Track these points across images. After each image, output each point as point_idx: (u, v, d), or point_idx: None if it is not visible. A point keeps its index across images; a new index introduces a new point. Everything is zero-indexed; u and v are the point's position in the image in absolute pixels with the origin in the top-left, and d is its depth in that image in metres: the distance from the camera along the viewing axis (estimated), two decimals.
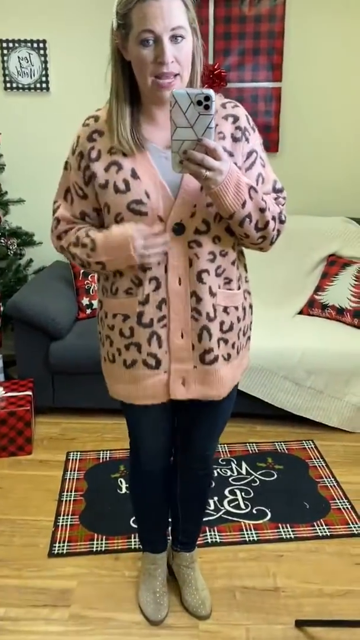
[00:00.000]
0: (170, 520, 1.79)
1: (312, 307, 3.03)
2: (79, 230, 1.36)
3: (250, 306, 1.48)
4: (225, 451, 2.57)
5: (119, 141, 1.24)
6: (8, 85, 3.23)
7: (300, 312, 3.07)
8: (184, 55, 1.19)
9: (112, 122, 1.25)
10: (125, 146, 1.24)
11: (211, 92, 1.09)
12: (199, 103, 1.09)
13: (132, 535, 2.04)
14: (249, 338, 1.51)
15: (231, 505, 2.21)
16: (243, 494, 2.28)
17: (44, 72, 3.22)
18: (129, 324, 1.36)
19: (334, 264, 3.07)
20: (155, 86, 1.19)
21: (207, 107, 1.09)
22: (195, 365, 1.37)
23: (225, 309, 1.37)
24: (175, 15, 1.14)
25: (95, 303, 3.01)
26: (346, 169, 3.35)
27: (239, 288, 1.39)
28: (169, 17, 1.13)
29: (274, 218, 1.29)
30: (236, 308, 1.39)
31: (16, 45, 3.17)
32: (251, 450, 2.60)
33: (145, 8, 1.13)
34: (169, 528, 1.81)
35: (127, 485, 2.33)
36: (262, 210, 1.25)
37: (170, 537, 1.83)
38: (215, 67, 3.13)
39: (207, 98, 1.09)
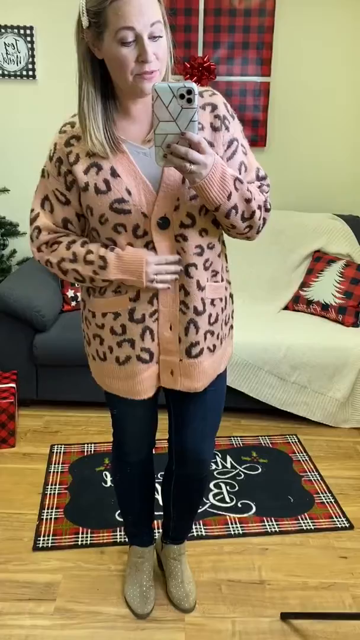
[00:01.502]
0: (161, 514, 1.78)
1: (297, 303, 3.05)
2: (72, 244, 1.32)
3: (231, 295, 1.48)
4: None
5: (92, 144, 1.22)
6: None
7: (286, 308, 3.09)
8: (162, 52, 1.17)
9: (84, 125, 1.22)
10: (99, 148, 1.22)
11: (194, 85, 1.08)
12: (182, 97, 1.08)
13: (118, 529, 2.03)
14: (231, 327, 1.51)
15: (216, 498, 2.22)
16: (228, 487, 2.29)
17: (30, 60, 3.16)
18: (120, 322, 1.35)
19: (320, 260, 3.09)
20: (137, 81, 1.17)
21: (189, 101, 1.08)
22: (181, 358, 1.37)
23: (212, 302, 1.37)
24: (152, 10, 1.12)
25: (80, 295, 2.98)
26: (333, 166, 3.37)
27: (222, 279, 1.40)
28: (147, 14, 1.11)
29: (259, 207, 1.28)
30: (220, 299, 1.40)
31: (2, 31, 3.11)
32: (236, 444, 2.61)
33: (122, 6, 1.10)
34: (160, 522, 1.80)
35: (112, 478, 2.32)
36: (247, 201, 1.24)
37: (160, 530, 1.82)
38: (205, 59, 3.11)
39: (190, 91, 1.07)
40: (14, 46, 3.14)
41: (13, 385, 2.62)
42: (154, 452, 1.68)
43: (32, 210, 1.36)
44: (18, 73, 3.19)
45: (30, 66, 3.18)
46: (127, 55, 1.14)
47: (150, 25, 1.13)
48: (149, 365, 1.37)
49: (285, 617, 1.69)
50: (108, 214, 1.25)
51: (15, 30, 3.11)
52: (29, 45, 3.14)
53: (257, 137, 3.27)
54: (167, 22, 1.19)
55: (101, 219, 1.26)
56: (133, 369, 1.38)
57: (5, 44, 3.13)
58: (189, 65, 3.12)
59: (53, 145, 1.30)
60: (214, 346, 1.41)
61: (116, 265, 1.28)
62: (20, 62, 3.17)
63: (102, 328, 1.39)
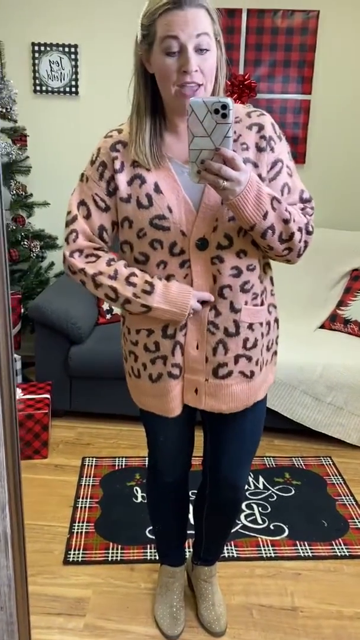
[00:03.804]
0: (193, 533, 1.76)
1: (334, 322, 3.00)
2: (113, 262, 1.30)
3: (276, 320, 1.45)
4: None
5: (136, 154, 1.23)
6: (38, 88, 3.25)
7: (322, 326, 3.04)
8: (208, 67, 1.17)
9: (131, 136, 1.24)
10: (142, 159, 1.23)
11: (228, 100, 1.07)
12: (216, 112, 1.07)
13: (149, 546, 2.02)
14: (274, 353, 1.48)
15: (248, 519, 2.18)
16: (260, 508, 2.25)
17: (74, 77, 3.23)
18: (154, 339, 1.35)
19: (358, 278, 3.04)
20: (179, 95, 1.17)
21: (224, 116, 1.07)
22: (207, 378, 1.35)
23: (250, 326, 1.34)
24: (200, 22, 1.13)
25: (115, 309, 3.00)
26: None
27: (262, 303, 1.36)
28: (193, 25, 1.12)
29: (300, 229, 1.25)
30: (261, 324, 1.36)
31: (48, 49, 3.19)
32: (269, 464, 2.57)
33: (170, 17, 1.12)
34: (191, 542, 1.78)
35: (143, 494, 2.31)
36: (286, 222, 1.22)
37: (192, 550, 1.80)
38: (246, 77, 3.12)
39: (225, 107, 1.06)
40: (58, 63, 3.21)
41: (47, 396, 2.64)
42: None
43: (68, 213, 1.32)
44: (61, 89, 3.25)
45: (73, 83, 3.24)
46: (171, 66, 1.15)
47: (196, 37, 1.13)
48: (178, 381, 1.36)
49: None
50: (147, 228, 1.25)
51: (61, 48, 3.18)
52: (73, 62, 3.21)
53: (297, 154, 3.25)
54: (221, 42, 1.19)
55: (139, 232, 1.27)
56: (165, 386, 1.37)
57: (50, 61, 3.21)
58: (229, 83, 3.14)
59: (97, 150, 1.30)
60: (252, 372, 1.37)
61: (162, 293, 1.26)
62: (64, 79, 3.24)
63: (136, 345, 1.39)
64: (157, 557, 1.84)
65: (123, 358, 1.49)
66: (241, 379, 1.36)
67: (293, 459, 2.62)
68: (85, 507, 2.23)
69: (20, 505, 0.71)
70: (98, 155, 1.29)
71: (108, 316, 3.03)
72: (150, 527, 1.77)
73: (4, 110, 2.92)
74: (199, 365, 1.34)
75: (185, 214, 1.24)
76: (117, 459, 2.56)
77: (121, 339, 1.48)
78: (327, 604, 1.80)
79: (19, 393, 2.64)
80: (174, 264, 1.28)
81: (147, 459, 1.64)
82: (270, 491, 2.37)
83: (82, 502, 2.26)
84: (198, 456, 1.62)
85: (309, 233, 1.30)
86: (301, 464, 2.58)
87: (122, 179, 1.26)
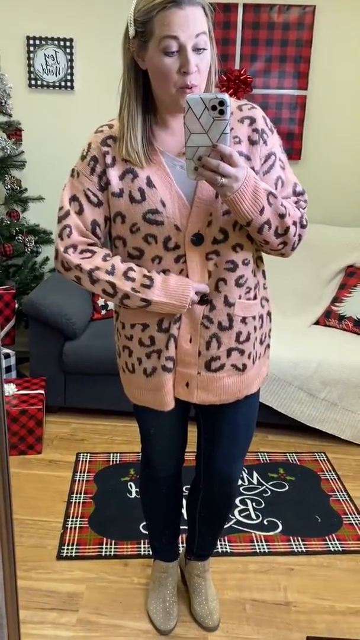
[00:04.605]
0: (186, 528, 1.76)
1: (329, 318, 3.00)
2: (109, 257, 1.28)
3: (269, 313, 1.45)
4: None
5: (127, 153, 1.22)
6: (33, 82, 3.23)
7: (317, 323, 3.05)
8: (205, 65, 1.17)
9: (122, 133, 1.23)
10: (134, 158, 1.22)
11: (226, 96, 1.06)
12: (214, 108, 1.06)
13: (142, 541, 2.02)
14: (267, 346, 1.48)
15: (242, 515, 2.19)
16: (254, 504, 2.26)
17: (69, 71, 3.21)
18: (149, 333, 1.35)
19: (353, 275, 3.04)
20: (180, 95, 1.17)
21: (221, 112, 1.06)
22: (200, 371, 1.35)
23: (243, 319, 1.34)
24: (199, 22, 1.13)
25: (110, 304, 2.99)
26: None
27: (255, 297, 1.37)
28: (193, 25, 1.12)
29: (294, 223, 1.26)
30: (254, 317, 1.37)
31: (43, 42, 3.17)
32: (262, 459, 2.57)
33: (169, 16, 1.11)
34: (184, 537, 1.78)
35: (137, 489, 2.31)
36: (281, 216, 1.22)
37: (185, 546, 1.80)
38: (241, 72, 3.12)
39: (222, 103, 1.06)
40: (53, 57, 3.20)
41: (42, 391, 2.63)
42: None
43: (60, 208, 1.29)
44: (57, 84, 3.24)
45: (68, 77, 3.22)
46: (170, 66, 1.14)
47: (195, 37, 1.13)
48: (171, 374, 1.36)
49: None
50: (140, 223, 1.25)
51: (56, 42, 3.17)
52: (69, 57, 3.19)
53: (292, 150, 3.25)
54: (213, 35, 1.19)
55: (133, 227, 1.26)
56: (160, 380, 1.36)
57: (45, 55, 3.19)
58: (225, 78, 3.13)
59: (87, 145, 1.29)
60: (244, 365, 1.37)
61: (162, 287, 1.26)
62: (59, 73, 3.22)
63: (130, 340, 1.38)
64: (150, 553, 1.84)
65: (116, 354, 1.48)
66: (233, 371, 1.37)
67: (287, 454, 2.62)
68: (79, 502, 2.23)
69: (9, 500, 0.71)
70: (89, 150, 1.28)
71: (103, 312, 3.03)
72: (144, 523, 1.77)
73: None
74: (191, 358, 1.34)
75: (179, 208, 1.24)
76: (111, 454, 2.56)
77: (114, 335, 1.47)
78: (320, 599, 1.81)
79: (13, 388, 2.63)
80: (169, 259, 1.28)
81: (140, 454, 1.64)
82: (264, 487, 2.37)
83: (76, 497, 2.26)
84: (191, 452, 1.62)
85: (303, 226, 1.30)
86: (295, 460, 2.58)
87: (113, 174, 1.25)
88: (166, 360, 1.34)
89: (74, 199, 1.28)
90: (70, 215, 1.28)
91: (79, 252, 1.28)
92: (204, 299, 1.30)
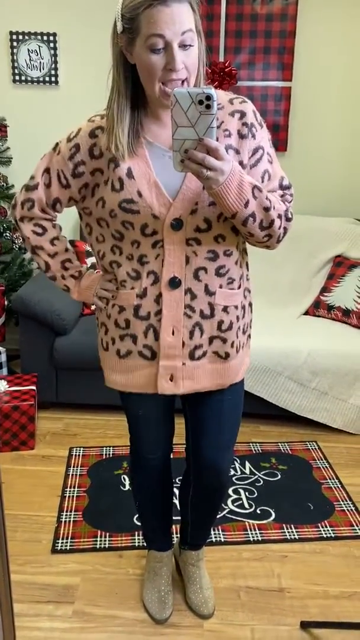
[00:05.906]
0: (179, 519, 1.77)
1: (318, 308, 3.02)
2: (56, 241, 1.44)
3: (250, 304, 1.47)
4: None
5: (115, 147, 1.23)
6: (17, 77, 3.22)
7: (306, 313, 3.07)
8: (192, 61, 1.18)
9: (110, 126, 1.24)
10: (119, 151, 1.24)
11: (212, 91, 1.07)
12: (200, 102, 1.07)
13: (136, 533, 2.03)
14: (249, 336, 1.50)
15: (235, 504, 2.20)
16: (247, 493, 2.28)
17: (53, 66, 3.20)
18: (124, 316, 1.37)
19: (341, 265, 3.06)
20: (162, 93, 1.18)
21: (208, 107, 1.07)
22: (184, 362, 1.36)
23: (225, 308, 1.36)
24: (185, 19, 1.13)
25: None
26: (354, 170, 3.34)
27: (239, 287, 1.39)
28: (179, 22, 1.12)
29: (279, 216, 1.27)
30: (236, 307, 1.38)
31: (26, 37, 3.15)
32: (254, 450, 2.59)
33: (155, 14, 1.11)
34: (178, 527, 1.79)
35: (130, 482, 2.32)
36: (266, 209, 1.23)
37: (179, 536, 1.82)
38: (226, 64, 3.12)
39: (209, 97, 1.07)
40: (37, 52, 3.18)
41: (33, 387, 2.63)
42: (172, 456, 1.68)
43: (32, 177, 1.37)
44: (41, 79, 3.22)
45: (53, 72, 3.21)
46: (156, 63, 1.15)
47: (181, 34, 1.13)
48: (150, 363, 1.38)
49: (305, 625, 1.67)
50: (117, 210, 1.27)
51: (39, 37, 3.15)
52: (52, 51, 3.17)
53: (278, 141, 3.26)
54: (200, 30, 1.19)
55: (111, 213, 1.29)
56: (134, 363, 1.39)
57: (29, 50, 3.17)
58: (210, 70, 3.13)
59: (77, 129, 1.31)
60: (227, 354, 1.39)
61: (76, 284, 1.46)
62: (43, 68, 3.21)
63: (108, 318, 1.41)
64: (144, 544, 1.86)
65: (97, 328, 1.50)
66: (215, 358, 1.39)
67: (279, 444, 2.64)
68: (73, 496, 2.24)
69: (0, 495, 0.71)
70: (76, 135, 1.31)
71: (93, 307, 3.02)
72: (138, 515, 1.79)
73: None
74: (175, 350, 1.35)
75: (156, 198, 1.25)
76: (104, 448, 2.57)
77: (96, 310, 1.49)
78: (313, 584, 1.83)
79: (4, 385, 2.63)
80: (147, 244, 1.30)
81: (130, 445, 1.65)
82: (256, 476, 2.39)
83: (69, 491, 2.27)
84: (181, 443, 1.63)
85: (288, 220, 1.31)
86: (287, 449, 2.60)
87: (102, 164, 1.27)
88: (144, 348, 1.37)
89: (47, 171, 1.36)
90: (38, 189, 1.36)
91: (32, 224, 1.41)
92: (175, 283, 1.31)
